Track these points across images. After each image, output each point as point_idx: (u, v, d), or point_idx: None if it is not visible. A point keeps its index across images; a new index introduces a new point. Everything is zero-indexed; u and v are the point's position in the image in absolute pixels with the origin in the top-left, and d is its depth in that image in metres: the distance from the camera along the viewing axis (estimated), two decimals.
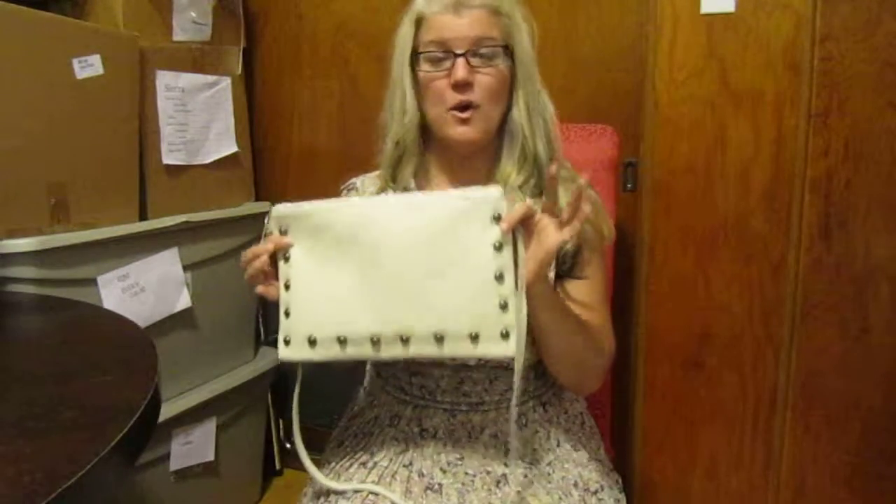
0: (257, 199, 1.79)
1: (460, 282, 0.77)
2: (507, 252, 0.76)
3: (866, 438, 1.21)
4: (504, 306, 0.76)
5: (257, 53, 1.84)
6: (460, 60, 0.88)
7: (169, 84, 1.49)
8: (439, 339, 0.78)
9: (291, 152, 1.87)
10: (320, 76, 1.80)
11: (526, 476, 0.88)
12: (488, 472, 0.89)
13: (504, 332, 0.77)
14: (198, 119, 1.56)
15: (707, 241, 1.25)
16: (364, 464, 0.92)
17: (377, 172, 1.02)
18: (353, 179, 1.05)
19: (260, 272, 0.84)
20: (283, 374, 1.74)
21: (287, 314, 0.83)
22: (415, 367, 0.94)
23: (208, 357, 1.60)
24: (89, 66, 1.29)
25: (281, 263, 0.83)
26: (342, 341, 0.81)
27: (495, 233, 0.76)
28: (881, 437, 1.21)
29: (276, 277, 0.84)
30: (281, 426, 1.91)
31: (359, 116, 1.76)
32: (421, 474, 0.89)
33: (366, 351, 0.80)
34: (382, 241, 0.79)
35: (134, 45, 1.40)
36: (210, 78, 1.59)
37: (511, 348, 0.77)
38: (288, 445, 1.90)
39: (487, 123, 0.91)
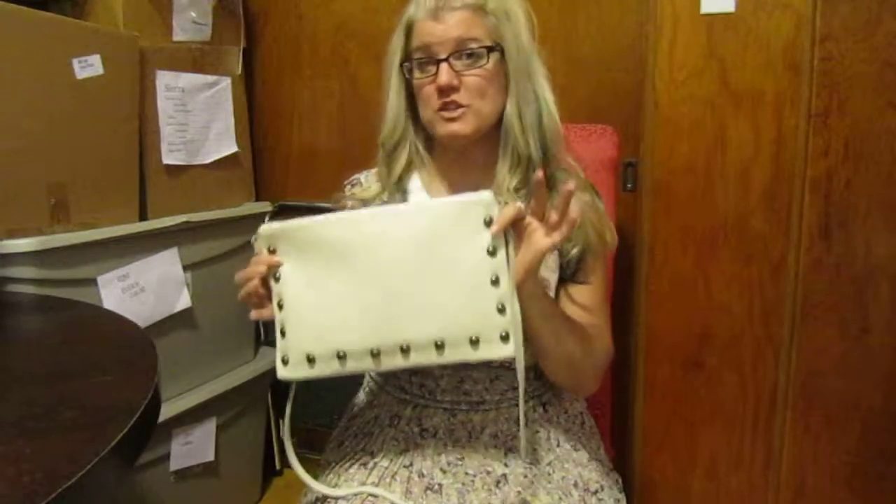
0: (257, 199, 1.79)
1: (456, 287, 0.77)
2: (501, 255, 0.76)
3: (866, 438, 1.21)
4: (501, 309, 0.76)
5: (257, 53, 1.84)
6: (443, 66, 0.88)
7: (169, 84, 1.49)
8: (439, 346, 0.77)
9: (291, 152, 1.87)
10: (320, 76, 1.80)
11: (526, 476, 0.88)
12: (488, 473, 0.89)
13: (504, 334, 0.77)
14: (198, 119, 1.56)
15: (707, 241, 1.25)
16: (364, 464, 0.92)
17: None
18: (357, 175, 1.06)
19: (253, 295, 0.84)
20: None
21: (283, 333, 0.82)
22: (415, 367, 0.94)
23: (208, 357, 1.60)
24: (89, 66, 1.29)
25: (272, 283, 0.83)
26: (341, 356, 0.80)
27: (488, 237, 0.76)
28: (881, 437, 1.21)
29: (270, 298, 0.83)
30: (281, 426, 1.91)
31: (359, 116, 1.76)
32: (421, 474, 0.89)
33: (366, 364, 0.80)
34: (375, 252, 0.79)
35: (134, 45, 1.40)
36: (210, 78, 1.59)
37: (511, 350, 0.77)
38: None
39: (479, 120, 0.91)
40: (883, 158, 1.15)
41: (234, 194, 1.69)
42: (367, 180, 1.03)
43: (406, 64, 0.93)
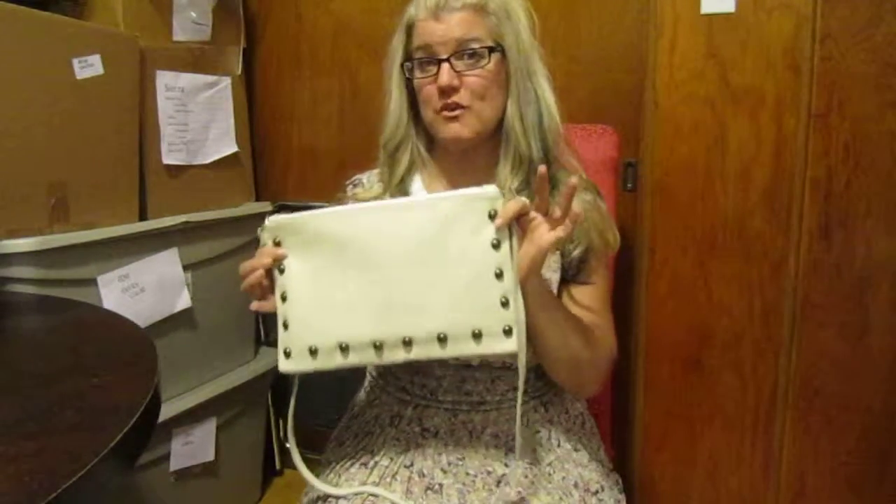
0: (257, 199, 1.79)
1: (460, 281, 0.77)
2: (506, 249, 0.76)
3: (866, 438, 1.21)
4: (505, 303, 0.76)
5: (257, 53, 1.84)
6: (444, 66, 0.88)
7: (169, 84, 1.49)
8: (442, 339, 0.78)
9: (291, 152, 1.87)
10: (320, 76, 1.80)
11: (526, 476, 0.88)
12: (489, 473, 0.89)
13: (507, 328, 0.77)
14: (198, 119, 1.56)
15: (707, 241, 1.25)
16: (365, 464, 0.92)
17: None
18: (359, 175, 1.06)
19: (256, 286, 0.84)
20: (283, 375, 1.73)
21: (286, 326, 0.82)
22: (416, 367, 0.94)
23: (208, 357, 1.60)
24: (89, 66, 1.29)
25: (276, 275, 0.83)
26: (344, 349, 0.80)
27: (492, 230, 0.76)
28: (881, 438, 1.21)
29: (273, 290, 0.83)
30: (281, 426, 1.91)
31: (359, 116, 1.76)
32: (422, 474, 0.89)
33: (368, 357, 0.80)
34: (379, 246, 0.79)
35: (134, 45, 1.40)
36: (210, 78, 1.59)
37: (514, 344, 0.77)
38: (287, 446, 1.90)
39: (480, 121, 0.91)
40: (883, 158, 1.15)
41: (234, 194, 1.69)
42: (369, 181, 1.04)
43: (407, 64, 0.93)
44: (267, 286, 0.84)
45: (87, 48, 1.29)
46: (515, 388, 0.92)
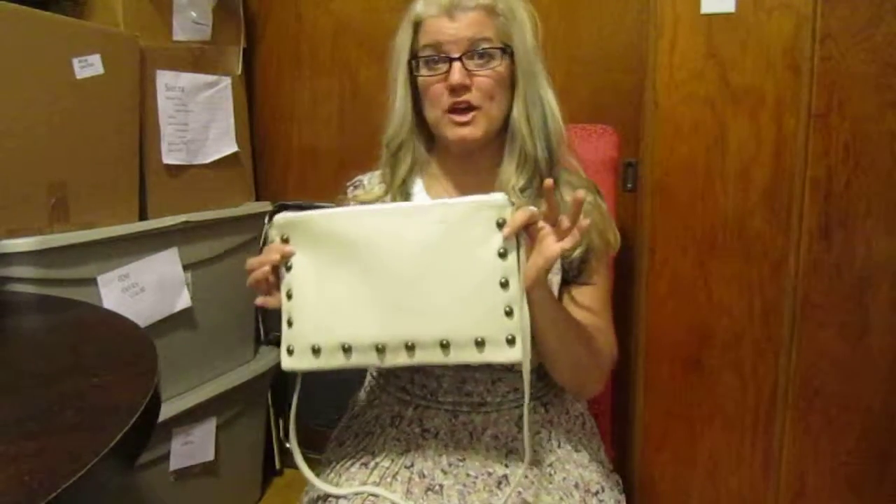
0: (257, 199, 1.79)
1: (465, 288, 0.77)
2: (512, 258, 0.76)
3: (866, 438, 1.21)
4: (509, 313, 0.76)
5: (257, 53, 1.84)
6: (456, 64, 0.88)
7: (169, 84, 1.49)
8: (445, 345, 0.77)
9: (291, 152, 1.87)
10: (320, 76, 1.80)
11: (527, 477, 0.88)
12: (489, 474, 0.89)
13: (510, 337, 0.77)
14: (198, 119, 1.56)
15: (707, 241, 1.25)
16: (365, 464, 0.92)
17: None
18: (360, 176, 1.05)
19: (262, 282, 0.84)
20: (283, 374, 1.74)
21: (290, 323, 0.83)
22: (417, 367, 0.94)
23: (208, 357, 1.60)
24: (89, 66, 1.29)
25: (283, 272, 0.83)
26: (346, 349, 0.80)
27: (499, 239, 0.76)
28: (881, 438, 1.21)
29: (278, 287, 0.84)
30: (281, 426, 1.91)
31: (359, 116, 1.76)
32: (422, 475, 0.89)
33: (371, 359, 0.80)
34: (386, 249, 0.79)
35: (134, 45, 1.39)
36: (210, 78, 1.59)
37: (517, 354, 0.77)
38: (287, 446, 1.90)
39: (489, 123, 0.91)
40: (883, 158, 1.15)
41: (234, 194, 1.69)
42: (370, 182, 1.03)
43: (413, 62, 0.93)
44: (273, 282, 0.84)
45: (88, 48, 1.29)
46: (516, 390, 0.92)
